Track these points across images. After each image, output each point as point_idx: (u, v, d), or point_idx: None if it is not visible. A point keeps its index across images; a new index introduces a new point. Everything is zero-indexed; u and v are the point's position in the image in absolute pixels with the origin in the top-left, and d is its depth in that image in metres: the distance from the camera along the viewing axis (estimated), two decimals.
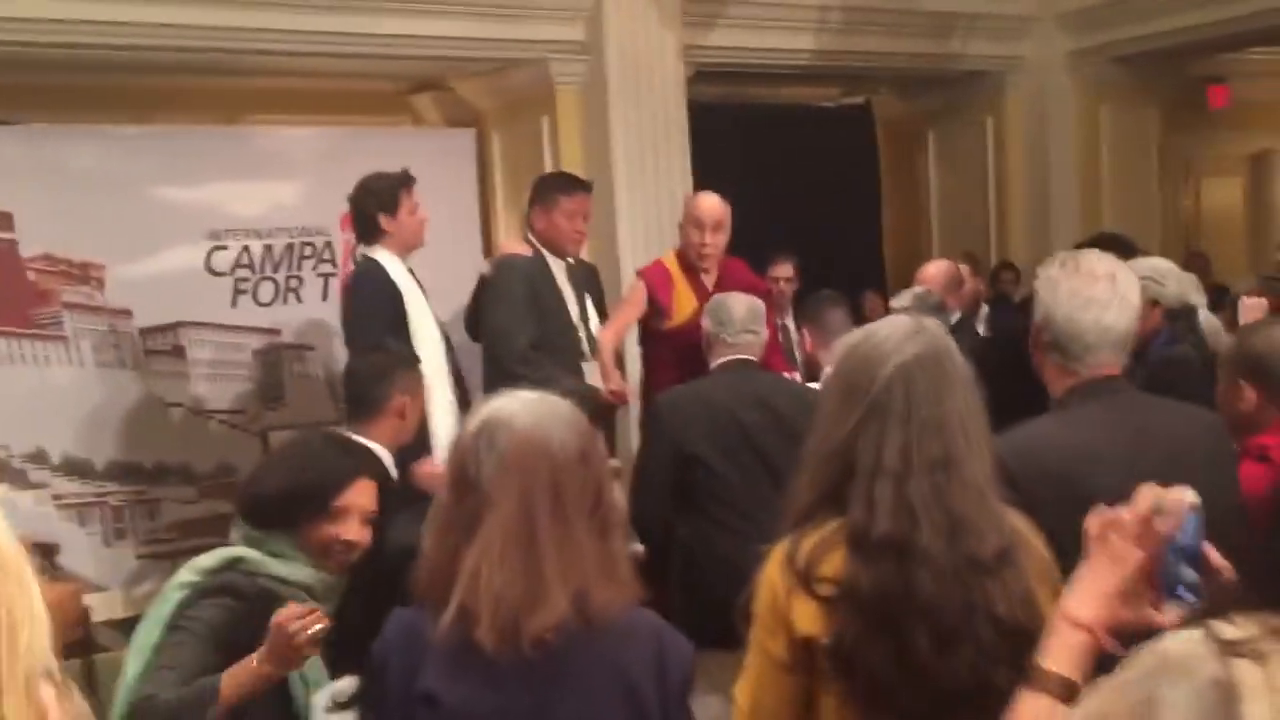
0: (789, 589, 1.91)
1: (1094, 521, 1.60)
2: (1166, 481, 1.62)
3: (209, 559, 2.54)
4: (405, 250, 4.61)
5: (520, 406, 1.90)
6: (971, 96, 9.16)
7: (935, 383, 1.94)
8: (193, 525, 6.07)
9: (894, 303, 5.08)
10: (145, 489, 6.16)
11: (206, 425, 6.29)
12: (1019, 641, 1.79)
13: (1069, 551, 1.97)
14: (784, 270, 7.07)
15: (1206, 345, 4.14)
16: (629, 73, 6.92)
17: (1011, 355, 5.98)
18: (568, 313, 5.04)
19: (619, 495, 1.98)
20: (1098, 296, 2.39)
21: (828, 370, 4.58)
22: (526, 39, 6.82)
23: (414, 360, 3.77)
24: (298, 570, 2.54)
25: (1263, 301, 4.52)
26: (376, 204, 4.59)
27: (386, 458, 3.48)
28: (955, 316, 5.43)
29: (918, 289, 5.13)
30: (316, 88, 7.26)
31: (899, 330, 2.00)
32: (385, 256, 4.56)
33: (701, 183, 6.91)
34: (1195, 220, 11.07)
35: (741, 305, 4.18)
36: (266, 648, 2.25)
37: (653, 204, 6.95)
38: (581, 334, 5.08)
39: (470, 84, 7.41)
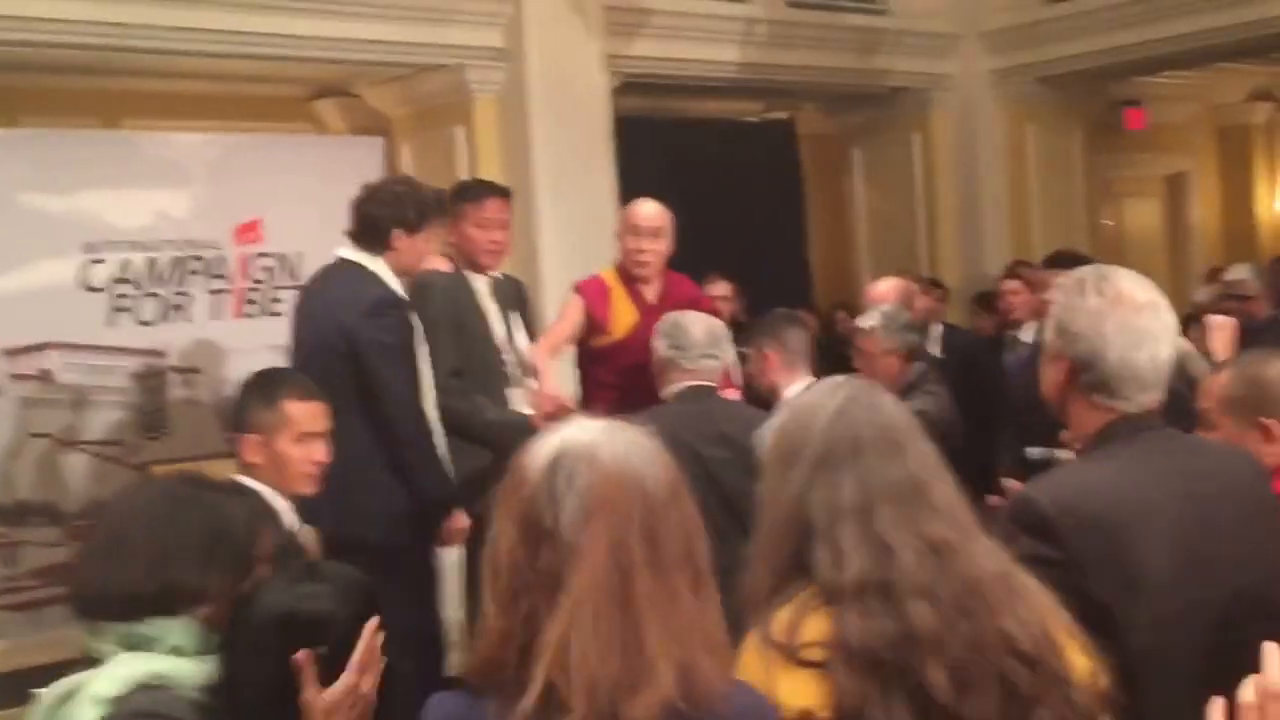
0: (769, 668, 1.69)
1: (1250, 690, 1.40)
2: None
3: (109, 684, 1.93)
4: (401, 275, 4.20)
5: (601, 436, 1.59)
6: (897, 113, 9.05)
7: (875, 414, 1.86)
8: (57, 571, 5.51)
9: (860, 322, 4.83)
10: (4, 531, 5.60)
11: (76, 458, 5.74)
12: (1048, 677, 1.69)
13: (1121, 621, 1.91)
14: (720, 289, 6.76)
15: (1187, 373, 3.89)
16: (551, 81, 6.61)
17: (966, 377, 5.84)
18: (491, 333, 4.66)
19: (705, 538, 1.66)
20: (1148, 329, 2.16)
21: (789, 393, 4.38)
22: (441, 44, 6.45)
23: (273, 390, 3.17)
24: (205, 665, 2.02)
25: (1231, 320, 4.32)
26: (396, 215, 4.13)
27: (279, 503, 3.03)
28: None
29: (886, 307, 4.84)
30: (208, 91, 6.81)
31: (823, 386, 1.96)
32: (385, 272, 4.13)
33: (624, 198, 6.66)
34: (1118, 240, 11.11)
35: (699, 326, 3.83)
36: None
37: (577, 218, 6.64)
38: (507, 356, 4.70)
39: (379, 90, 7.03)
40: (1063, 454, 2.85)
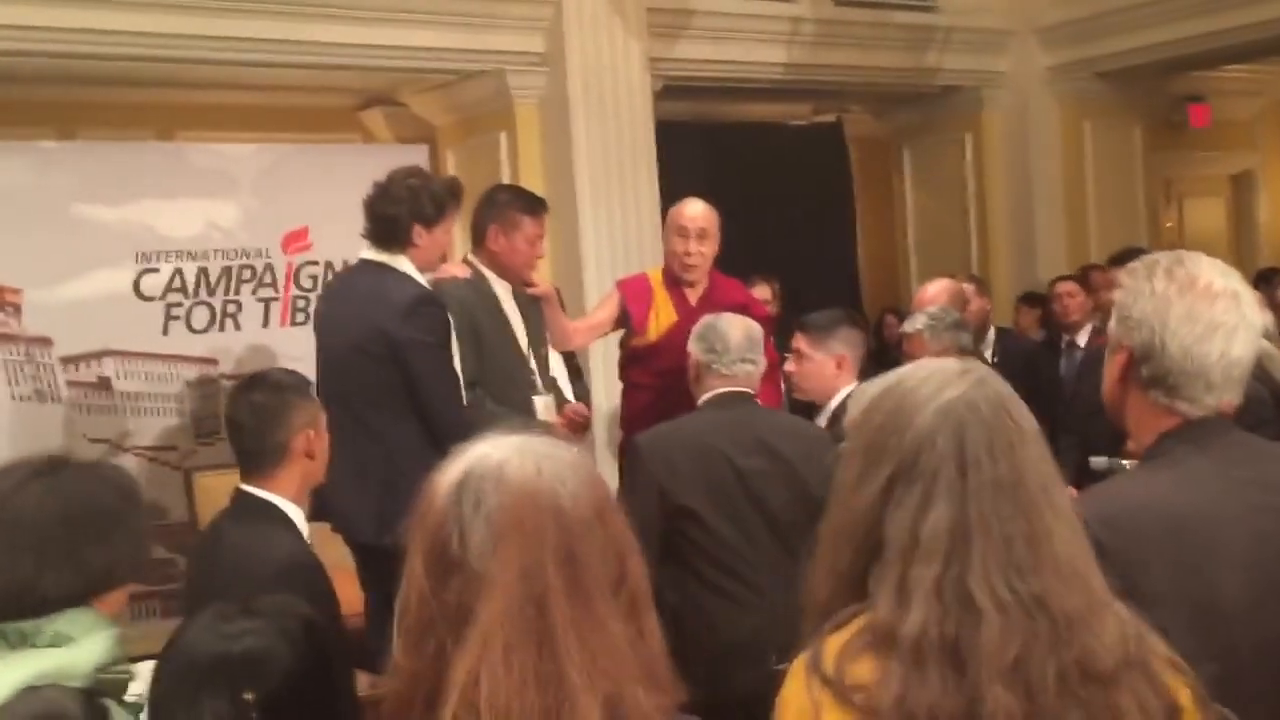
0: (818, 705, 1.45)
1: None
2: None
3: None
4: (424, 270, 4.09)
5: (511, 452, 1.44)
6: (948, 113, 8.93)
7: (997, 430, 1.47)
8: None
9: (906, 326, 4.49)
10: None
11: (131, 463, 5.83)
12: None
13: (1188, 652, 1.54)
14: (762, 292, 6.70)
15: (1269, 376, 3.69)
16: (592, 86, 6.60)
17: (1023, 383, 5.63)
18: (515, 341, 4.51)
19: (642, 561, 1.49)
20: (1222, 320, 1.85)
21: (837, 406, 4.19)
22: (483, 49, 6.48)
23: (305, 388, 3.07)
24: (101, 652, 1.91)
25: None
26: (413, 211, 4.01)
27: (296, 514, 2.96)
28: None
29: (931, 308, 4.54)
30: (258, 103, 6.91)
31: (938, 371, 1.53)
32: (411, 270, 4.03)
33: (668, 202, 6.63)
34: (1180, 241, 10.84)
35: (737, 330, 3.65)
36: None
37: (619, 224, 6.61)
38: (533, 364, 4.57)
39: (423, 99, 7.09)
40: (1129, 464, 2.58)
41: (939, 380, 1.51)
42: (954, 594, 1.41)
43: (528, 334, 4.52)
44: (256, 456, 2.94)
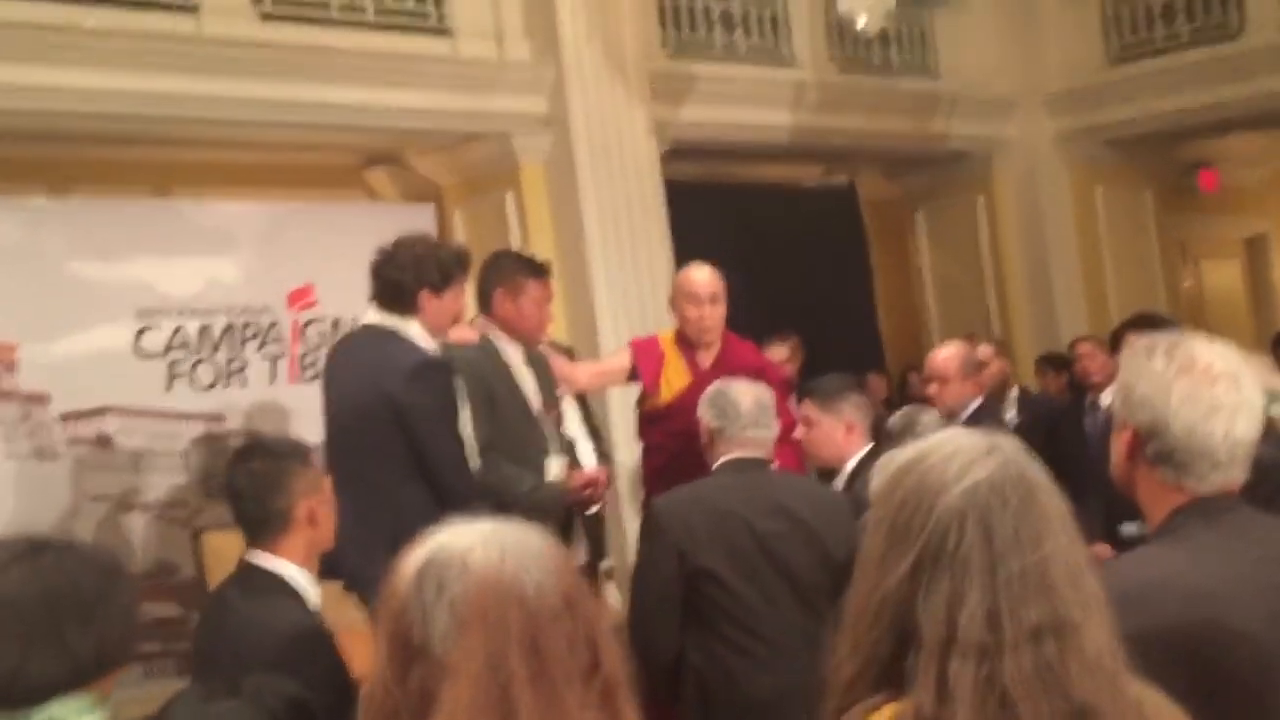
0: None
1: None
2: None
3: None
4: (433, 332, 4.08)
5: (475, 539, 1.45)
6: (960, 176, 9.01)
7: (1025, 518, 1.44)
8: None
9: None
10: None
11: (136, 520, 5.83)
12: None
13: None
14: (779, 352, 6.70)
15: None
16: (597, 147, 6.65)
17: (1047, 444, 5.55)
18: (527, 403, 4.49)
19: (618, 648, 1.47)
20: (1224, 401, 1.90)
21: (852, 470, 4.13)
22: (486, 111, 6.55)
23: (305, 454, 3.05)
24: None
25: None
26: (419, 277, 4.00)
27: (303, 580, 2.91)
28: (975, 404, 4.97)
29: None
30: (260, 160, 6.95)
31: (963, 448, 1.50)
32: (418, 334, 4.03)
33: (680, 264, 6.65)
34: (1199, 302, 10.86)
35: (747, 396, 3.66)
36: None
37: (633, 283, 6.64)
38: (545, 426, 4.54)
39: (428, 159, 7.14)
40: None
41: (964, 458, 1.48)
42: (992, 693, 1.39)
43: (540, 395, 4.52)
44: (259, 525, 2.89)
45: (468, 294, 4.28)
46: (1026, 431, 5.69)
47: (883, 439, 4.10)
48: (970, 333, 7.97)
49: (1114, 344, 7.09)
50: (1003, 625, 1.40)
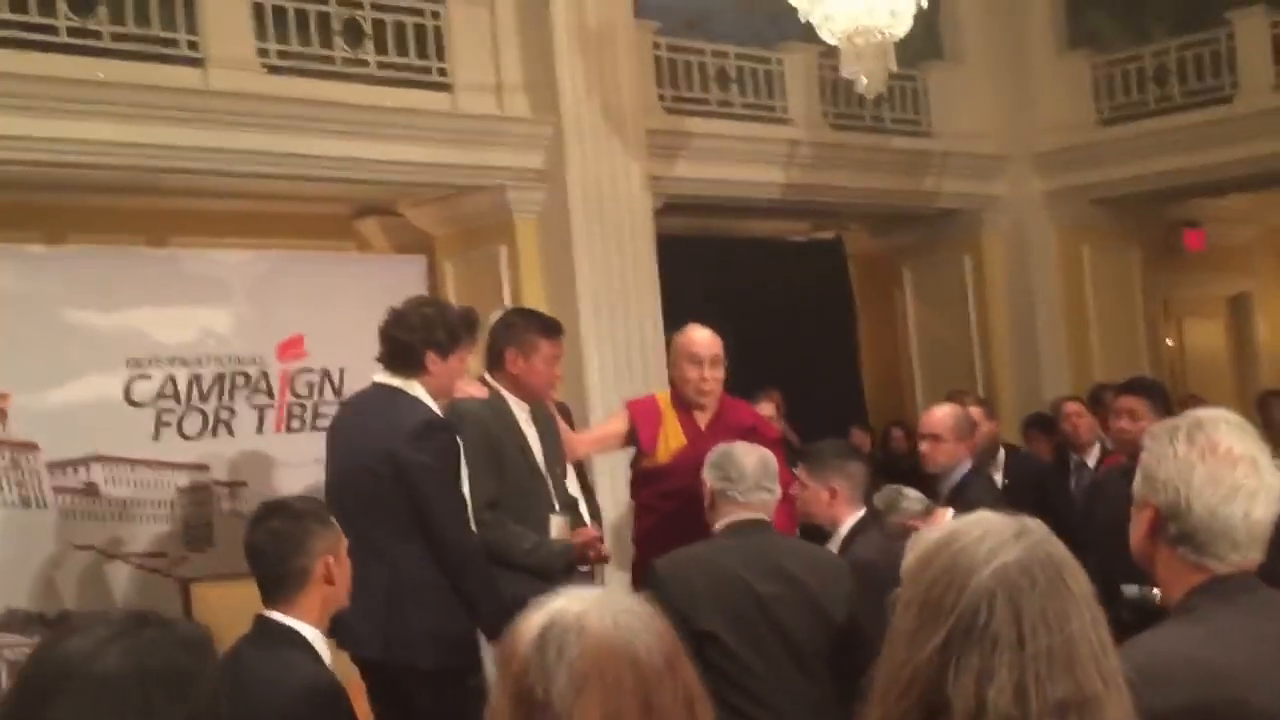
0: None
1: None
2: None
3: None
4: (438, 397, 4.10)
5: (589, 605, 1.56)
6: (947, 234, 9.06)
7: (1052, 598, 1.50)
8: None
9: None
10: None
11: (120, 570, 5.78)
12: None
13: None
14: (765, 409, 6.67)
15: None
16: (592, 202, 6.69)
17: (1036, 505, 5.52)
18: (534, 460, 4.48)
19: (709, 707, 1.58)
20: (1243, 484, 1.95)
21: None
22: (483, 165, 6.59)
23: (324, 514, 3.11)
24: None
25: None
26: (427, 339, 4.03)
27: (318, 640, 2.96)
28: (966, 466, 4.95)
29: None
30: (253, 209, 6.97)
31: (993, 530, 1.56)
32: (423, 395, 4.06)
33: (669, 317, 6.67)
34: (1180, 361, 10.90)
35: (752, 458, 3.66)
36: None
37: (622, 338, 6.66)
38: (550, 484, 4.53)
39: (421, 210, 7.17)
40: (1159, 593, 2.66)
41: (994, 540, 1.55)
42: None
43: (544, 453, 4.51)
44: (277, 583, 2.94)
45: (473, 356, 4.31)
46: (1015, 493, 5.68)
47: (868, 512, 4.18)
48: (956, 390, 7.99)
49: (1092, 403, 7.14)
50: (1029, 700, 1.46)
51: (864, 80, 5.96)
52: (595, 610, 1.53)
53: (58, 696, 1.75)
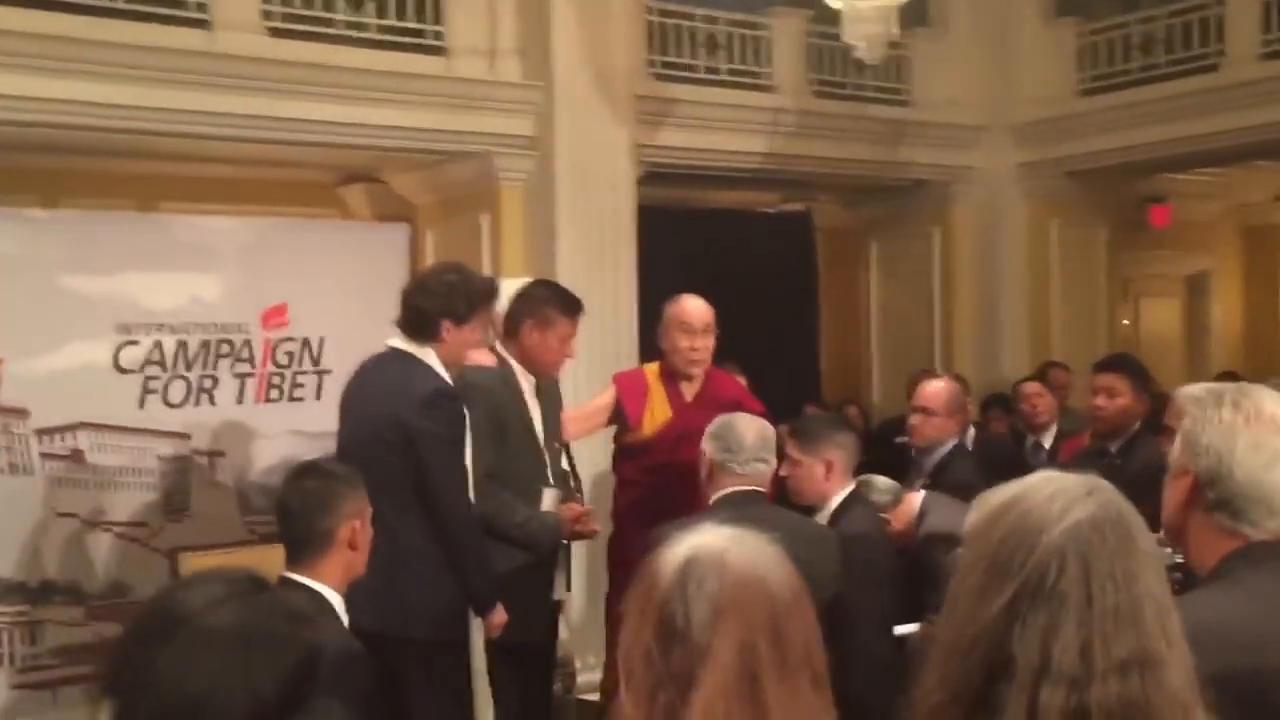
0: None
1: None
2: None
3: None
4: (449, 366, 4.10)
5: (729, 542, 1.66)
6: (917, 206, 9.06)
7: (1121, 557, 1.51)
8: (78, 651, 5.48)
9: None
10: (27, 609, 5.56)
11: (101, 538, 5.71)
12: None
13: None
14: None
15: None
16: (579, 170, 6.65)
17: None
18: (535, 433, 4.50)
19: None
20: None
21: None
22: (471, 131, 6.52)
23: (355, 479, 3.12)
24: None
25: None
26: (446, 307, 4.03)
27: (337, 602, 2.97)
28: (952, 442, 4.97)
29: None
30: (239, 176, 6.90)
31: (1064, 489, 1.56)
32: (436, 363, 4.05)
33: (641, 286, 6.68)
34: (1136, 341, 11.00)
35: (752, 430, 3.73)
36: None
37: (596, 309, 6.53)
38: (548, 457, 4.55)
39: (405, 177, 7.10)
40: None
41: (1066, 499, 1.55)
42: None
43: (545, 428, 4.51)
44: (303, 543, 2.96)
45: (486, 326, 4.29)
46: (988, 471, 5.74)
47: None
48: (923, 369, 8.05)
49: (1041, 379, 7.18)
50: (1094, 658, 1.47)
51: (862, 46, 5.93)
52: (735, 547, 1.63)
53: (162, 637, 1.79)
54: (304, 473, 3.08)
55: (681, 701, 1.56)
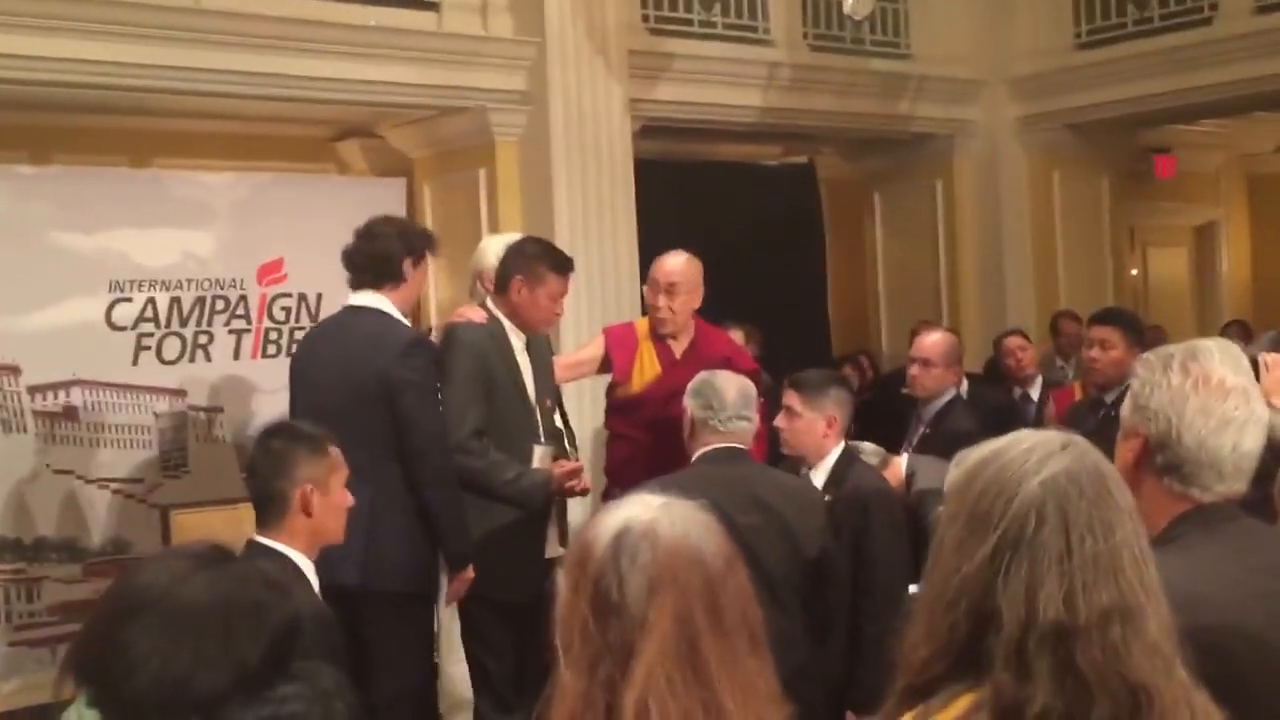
0: None
1: None
2: None
3: None
4: (405, 309, 4.19)
5: (660, 513, 1.68)
6: (919, 159, 9.01)
7: (1098, 507, 1.54)
8: (76, 608, 5.48)
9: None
10: (24, 567, 5.59)
11: (97, 495, 5.73)
12: None
13: None
14: (736, 338, 6.65)
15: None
16: (574, 125, 6.61)
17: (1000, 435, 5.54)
18: (524, 390, 4.46)
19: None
20: (1233, 416, 1.98)
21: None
22: (465, 86, 6.49)
23: (318, 443, 3.04)
24: None
25: None
26: (407, 248, 4.14)
27: (308, 567, 2.94)
28: (951, 393, 5.01)
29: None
30: (234, 131, 6.85)
31: (1040, 444, 1.59)
32: (397, 313, 4.11)
33: (642, 241, 6.65)
34: (1143, 291, 10.96)
35: (733, 387, 3.71)
36: None
37: (597, 262, 6.60)
38: (539, 414, 4.52)
39: (401, 132, 7.06)
40: None
41: (1043, 452, 1.58)
42: (1072, 678, 1.48)
43: (535, 385, 4.49)
44: (264, 504, 2.96)
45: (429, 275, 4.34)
46: (978, 419, 5.74)
47: None
48: (926, 319, 8.01)
49: (1052, 331, 7.09)
50: (1078, 607, 1.49)
51: (851, 1, 5.88)
52: (665, 517, 1.65)
53: (136, 619, 1.77)
54: (273, 433, 3.08)
55: (621, 673, 1.57)
